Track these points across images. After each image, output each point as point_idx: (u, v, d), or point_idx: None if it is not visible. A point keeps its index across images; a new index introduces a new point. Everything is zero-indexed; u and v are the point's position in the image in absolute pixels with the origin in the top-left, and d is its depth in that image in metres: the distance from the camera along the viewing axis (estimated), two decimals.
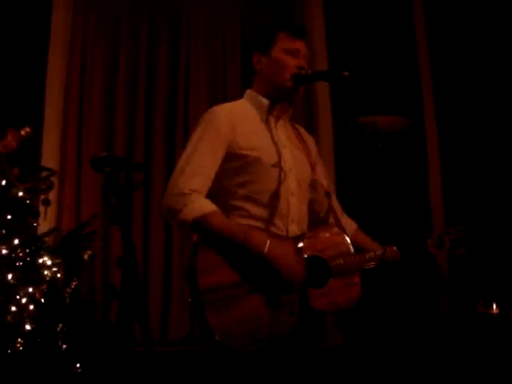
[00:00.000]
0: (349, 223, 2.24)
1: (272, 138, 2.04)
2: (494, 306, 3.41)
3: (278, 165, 2.00)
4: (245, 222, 1.95)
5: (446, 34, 4.55)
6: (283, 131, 2.11)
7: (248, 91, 2.14)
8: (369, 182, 4.09)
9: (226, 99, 4.45)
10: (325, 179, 2.19)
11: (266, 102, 2.08)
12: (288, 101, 2.12)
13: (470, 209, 4.24)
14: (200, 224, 1.87)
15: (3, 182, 3.22)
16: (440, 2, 4.59)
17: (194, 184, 1.91)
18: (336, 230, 2.04)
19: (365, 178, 4.16)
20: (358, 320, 3.97)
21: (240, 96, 2.18)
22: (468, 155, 4.35)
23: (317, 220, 2.15)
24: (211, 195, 1.95)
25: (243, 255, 1.84)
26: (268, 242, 1.84)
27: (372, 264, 2.03)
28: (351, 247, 2.01)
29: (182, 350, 3.75)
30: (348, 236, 2.03)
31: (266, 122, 2.07)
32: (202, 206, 1.88)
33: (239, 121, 2.02)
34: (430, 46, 4.63)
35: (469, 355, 3.29)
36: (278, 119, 2.11)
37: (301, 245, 1.93)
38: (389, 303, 3.96)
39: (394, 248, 2.11)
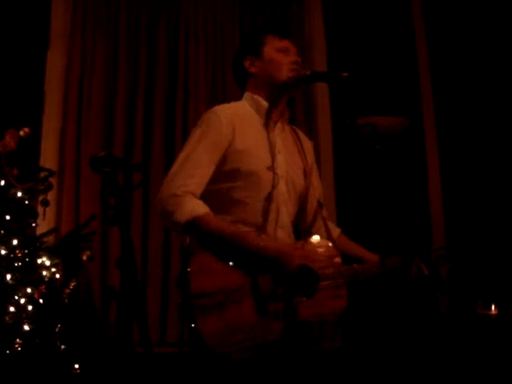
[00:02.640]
0: (332, 228, 2.25)
1: (268, 143, 2.06)
2: (493, 307, 3.41)
3: (271, 171, 2.02)
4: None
5: (445, 34, 4.55)
6: (280, 136, 2.12)
7: (246, 93, 2.15)
8: (367, 183, 4.09)
9: (226, 98, 4.45)
10: (318, 186, 2.21)
11: (265, 104, 2.10)
12: (287, 97, 2.13)
13: (469, 210, 4.24)
14: (192, 226, 1.87)
15: (2, 183, 3.23)
16: (439, 4, 4.59)
17: (188, 186, 1.91)
18: (327, 241, 2.05)
19: (363, 178, 4.16)
20: (357, 322, 3.97)
21: (240, 96, 2.19)
22: (467, 156, 4.35)
23: (303, 227, 2.16)
24: (203, 197, 1.95)
25: (235, 255, 1.85)
26: (262, 237, 1.87)
27: (361, 277, 2.04)
28: (341, 259, 2.03)
29: (181, 351, 3.74)
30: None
31: (264, 126, 2.08)
32: (194, 207, 1.88)
33: (239, 123, 2.03)
34: (429, 47, 4.63)
35: (468, 356, 3.29)
36: (275, 123, 2.11)
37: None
38: (388, 305, 3.96)
39: (386, 261, 2.10)
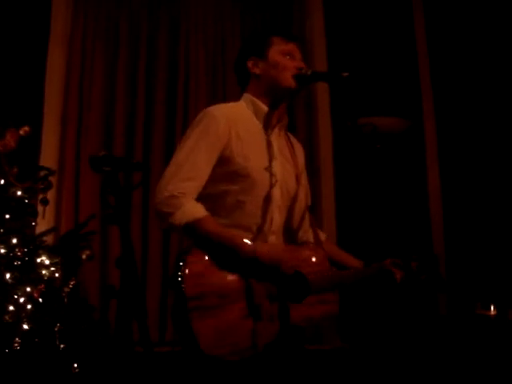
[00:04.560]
0: (319, 232, 2.24)
1: (266, 146, 2.04)
2: (492, 308, 3.41)
3: (266, 176, 2.00)
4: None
5: (445, 35, 4.55)
6: (276, 141, 2.10)
7: (246, 95, 2.12)
8: (367, 183, 4.10)
9: (226, 98, 4.45)
10: (306, 189, 2.21)
11: (264, 108, 2.08)
12: (288, 102, 2.12)
13: (468, 210, 4.25)
14: (191, 228, 1.86)
15: (2, 182, 3.23)
16: (440, 4, 4.59)
17: (185, 189, 1.89)
18: (316, 247, 2.07)
19: (363, 178, 4.16)
20: (356, 322, 3.97)
21: (239, 97, 2.17)
22: (467, 157, 4.36)
23: (290, 229, 2.15)
24: (199, 200, 1.94)
25: (232, 259, 1.85)
26: (257, 244, 1.87)
27: (348, 282, 2.06)
28: (329, 264, 2.04)
29: (181, 350, 3.74)
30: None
31: (262, 131, 2.07)
32: (193, 210, 1.87)
33: (235, 125, 2.00)
34: (429, 48, 4.63)
35: (467, 357, 3.29)
36: (273, 128, 2.10)
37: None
38: (387, 305, 3.96)
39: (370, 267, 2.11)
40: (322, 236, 2.24)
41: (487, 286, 3.80)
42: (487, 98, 4.32)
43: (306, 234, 2.18)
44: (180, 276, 1.80)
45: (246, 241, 1.88)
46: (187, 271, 1.81)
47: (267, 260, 1.86)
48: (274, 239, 2.03)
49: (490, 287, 3.77)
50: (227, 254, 1.85)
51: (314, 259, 2.01)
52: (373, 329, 3.95)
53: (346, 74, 1.98)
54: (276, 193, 2.03)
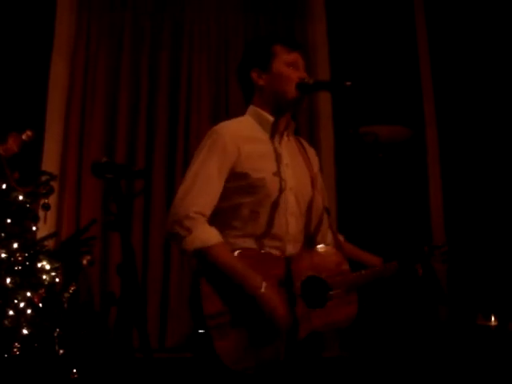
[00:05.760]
0: (337, 235, 2.25)
1: (274, 155, 2.04)
2: (493, 319, 3.40)
3: (279, 185, 2.00)
4: (241, 241, 1.96)
5: (447, 44, 4.56)
6: (287, 148, 2.11)
7: (251, 107, 2.12)
8: (369, 192, 4.09)
9: (228, 107, 4.46)
10: (322, 192, 2.20)
11: (270, 118, 2.08)
12: (292, 112, 2.12)
13: (469, 219, 4.24)
14: (202, 255, 1.86)
15: (3, 186, 3.23)
16: (442, 13, 4.61)
17: (199, 205, 1.90)
18: (333, 249, 2.07)
19: (365, 187, 4.16)
20: (356, 330, 3.96)
21: (242, 105, 2.18)
22: (469, 165, 4.36)
23: (308, 233, 2.13)
24: (212, 214, 1.94)
25: (238, 292, 1.84)
26: (264, 286, 1.84)
27: (369, 281, 2.05)
28: (348, 266, 2.04)
29: (180, 357, 3.74)
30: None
31: (270, 140, 2.07)
32: (206, 236, 1.88)
33: (243, 140, 2.01)
34: (431, 57, 4.64)
35: (468, 367, 3.28)
36: (282, 136, 2.10)
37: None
38: (387, 314, 3.95)
39: (389, 263, 2.11)
40: (340, 237, 2.24)
41: (488, 297, 3.79)
42: (489, 106, 4.33)
43: (324, 236, 2.17)
44: (198, 295, 1.82)
45: (255, 275, 1.86)
46: (205, 289, 1.83)
47: (265, 304, 1.84)
48: (291, 248, 2.02)
49: (491, 298, 3.76)
50: (234, 285, 1.85)
51: (332, 262, 2.02)
52: (373, 337, 3.94)
53: (348, 84, 1.99)
54: (290, 200, 2.03)
